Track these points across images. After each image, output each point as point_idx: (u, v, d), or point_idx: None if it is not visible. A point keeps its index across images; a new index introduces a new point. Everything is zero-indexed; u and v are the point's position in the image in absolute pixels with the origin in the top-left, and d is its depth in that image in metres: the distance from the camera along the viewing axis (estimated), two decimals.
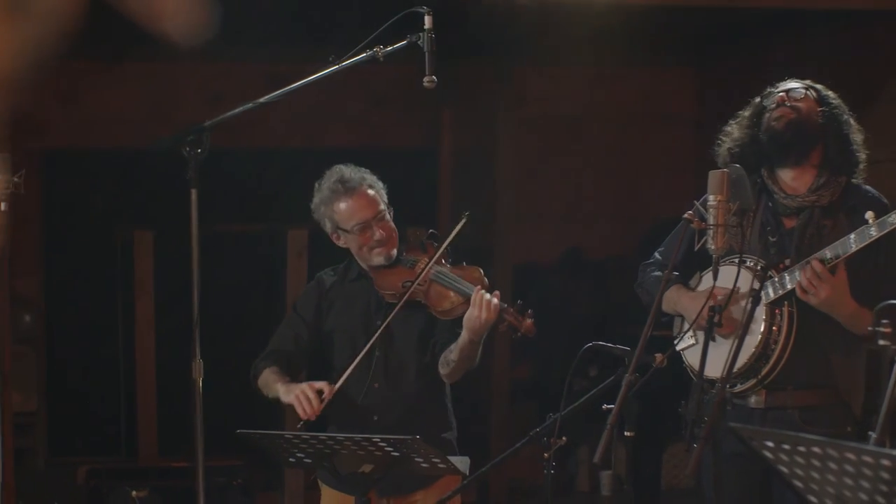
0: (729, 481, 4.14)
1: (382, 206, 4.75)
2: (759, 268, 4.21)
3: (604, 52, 8.28)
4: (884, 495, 2.68)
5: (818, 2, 7.41)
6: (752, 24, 8.17)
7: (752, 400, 4.35)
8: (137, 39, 8.19)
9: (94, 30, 7.89)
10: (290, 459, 4.25)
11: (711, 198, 3.87)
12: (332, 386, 4.56)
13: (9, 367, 5.83)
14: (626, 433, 3.77)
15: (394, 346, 4.74)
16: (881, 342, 3.17)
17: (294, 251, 8.09)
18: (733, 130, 4.53)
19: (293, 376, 4.74)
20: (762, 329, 4.25)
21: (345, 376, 4.60)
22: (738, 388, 4.32)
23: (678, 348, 4.44)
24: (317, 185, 4.80)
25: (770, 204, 4.42)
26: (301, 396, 4.53)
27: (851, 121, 4.48)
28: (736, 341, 3.75)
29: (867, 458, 2.64)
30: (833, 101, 4.46)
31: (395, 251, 4.76)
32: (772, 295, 4.27)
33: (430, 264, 4.66)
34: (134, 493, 7.03)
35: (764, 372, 4.28)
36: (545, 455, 3.87)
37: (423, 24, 4.35)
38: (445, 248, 4.71)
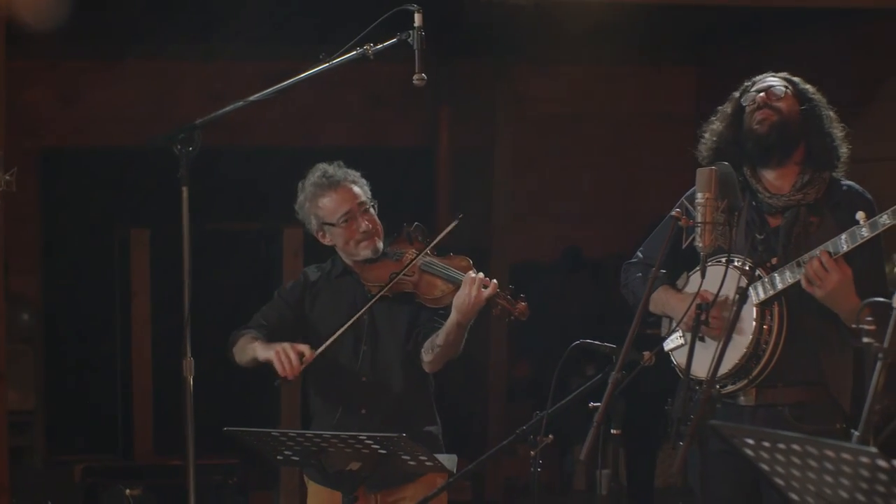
0: (717, 479, 4.13)
1: (366, 199, 4.79)
2: (747, 267, 4.19)
3: (602, 50, 8.28)
4: (864, 493, 2.67)
5: (816, 0, 7.40)
6: (750, 22, 8.17)
7: (742, 398, 4.33)
8: (135, 38, 8.28)
9: (93, 28, 7.96)
10: (278, 457, 4.25)
11: (699, 195, 3.85)
12: (314, 351, 4.55)
13: (2, 367, 5.82)
14: (612, 431, 3.75)
15: (380, 341, 4.75)
16: (865, 339, 3.15)
17: (290, 250, 8.10)
18: (715, 128, 4.52)
19: None
20: (753, 330, 4.23)
21: (327, 343, 4.59)
22: (729, 388, 4.30)
23: (667, 349, 4.43)
24: (300, 184, 4.84)
25: (754, 203, 4.41)
26: (281, 353, 4.51)
27: (831, 114, 4.46)
28: (723, 340, 3.73)
29: (846, 456, 2.64)
30: (813, 97, 4.44)
31: (381, 244, 4.79)
32: (762, 295, 4.25)
33: (420, 255, 4.69)
34: (128, 491, 7.02)
35: (755, 372, 4.27)
36: (531, 453, 3.86)
37: (413, 22, 4.33)
38: (432, 244, 4.73)
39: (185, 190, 4.47)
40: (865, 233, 4.11)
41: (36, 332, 8.56)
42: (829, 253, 4.15)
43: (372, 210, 4.79)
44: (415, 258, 4.68)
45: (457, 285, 4.56)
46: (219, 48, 8.58)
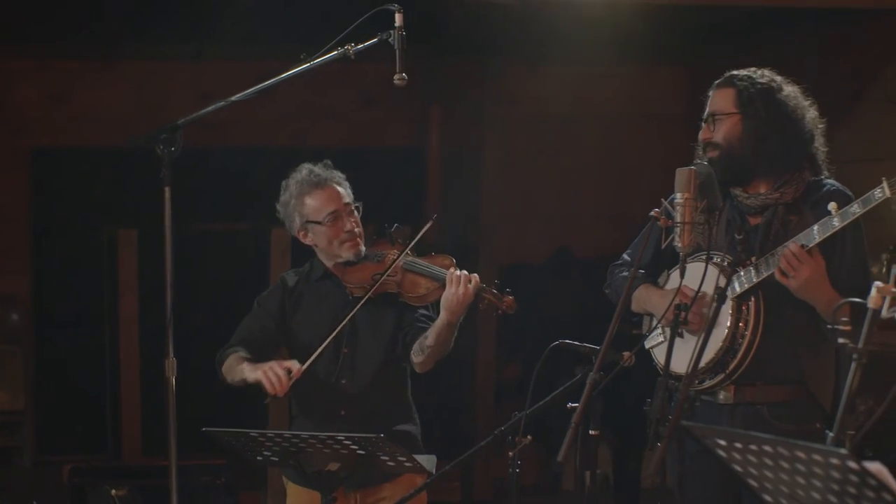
0: (695, 479, 4.13)
1: (350, 201, 4.80)
2: (725, 263, 4.19)
3: (593, 50, 8.26)
4: (836, 494, 2.66)
5: (807, 0, 7.40)
6: (741, 22, 8.16)
7: (721, 396, 4.32)
8: (126, 38, 8.28)
9: (83, 29, 7.96)
10: (258, 458, 4.25)
11: (678, 195, 3.85)
12: (301, 365, 4.56)
13: None
14: (590, 432, 3.74)
15: (360, 343, 4.75)
16: (840, 340, 3.14)
17: (278, 250, 8.11)
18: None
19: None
20: (729, 323, 4.22)
21: (313, 357, 4.60)
22: (707, 383, 4.29)
23: (647, 346, 4.42)
24: (284, 183, 4.85)
25: (735, 203, 4.39)
26: (269, 372, 4.53)
27: (798, 109, 4.38)
28: (699, 342, 3.72)
29: (817, 457, 2.62)
30: (768, 102, 4.34)
31: (363, 247, 4.80)
32: (738, 289, 4.24)
33: (401, 254, 4.70)
34: (113, 491, 7.02)
35: (731, 367, 4.25)
36: (510, 454, 3.86)
37: (394, 22, 4.32)
38: (411, 243, 4.75)
39: (167, 190, 4.46)
40: (836, 223, 4.10)
41: (25, 332, 8.55)
42: (802, 244, 4.15)
43: (356, 213, 4.81)
44: (397, 258, 4.68)
45: (441, 283, 4.57)
46: (209, 48, 8.57)
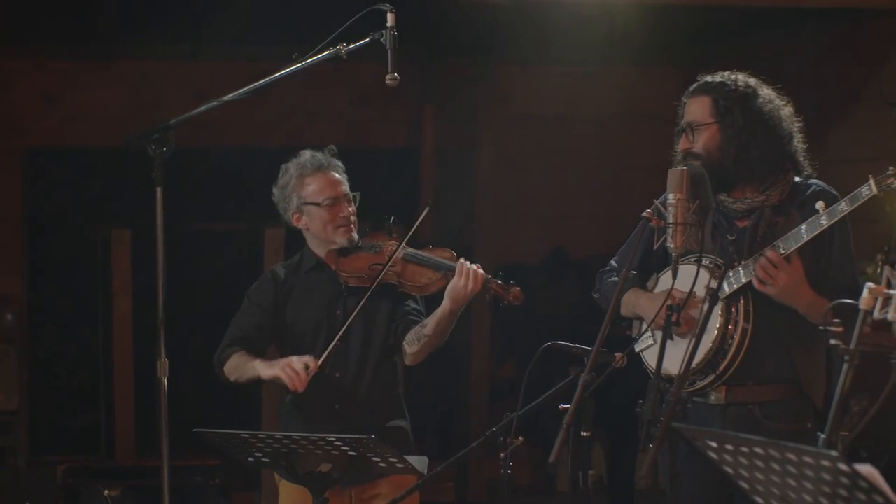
0: (687, 480, 4.12)
1: (348, 191, 4.83)
2: (713, 265, 4.18)
3: (587, 50, 8.25)
4: (827, 496, 2.65)
5: (802, 0, 7.39)
6: (736, 23, 8.16)
7: (713, 397, 4.31)
8: (121, 38, 8.26)
9: (78, 29, 7.95)
10: (249, 459, 4.24)
11: (671, 196, 3.84)
12: (316, 361, 4.57)
13: None
14: (583, 433, 3.74)
15: (354, 336, 4.74)
16: (832, 341, 3.13)
17: (272, 250, 8.10)
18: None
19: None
20: (718, 325, 4.21)
21: (327, 352, 4.61)
22: (698, 384, 4.28)
23: (637, 349, 4.41)
24: (283, 167, 4.89)
25: (720, 207, 4.37)
26: (288, 369, 4.54)
27: (775, 111, 4.34)
28: (691, 342, 3.71)
29: (808, 459, 2.61)
30: (745, 109, 4.29)
31: (356, 236, 4.82)
32: (727, 290, 4.23)
33: (402, 243, 4.72)
34: (106, 492, 7.01)
35: (722, 367, 4.24)
36: (501, 455, 3.85)
37: (386, 22, 4.32)
38: (410, 232, 4.79)
39: (158, 190, 4.47)
40: (824, 221, 4.09)
41: (19, 332, 8.53)
42: (781, 251, 4.14)
43: (353, 202, 4.84)
44: (398, 247, 4.71)
45: (444, 273, 4.61)
46: (203, 48, 8.56)
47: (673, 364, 3.94)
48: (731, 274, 4.23)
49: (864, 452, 6.18)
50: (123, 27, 8.02)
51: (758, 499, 2.87)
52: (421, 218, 4.75)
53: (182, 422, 4.49)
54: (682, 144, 4.37)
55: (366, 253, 4.79)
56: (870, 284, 3.04)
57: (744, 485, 2.86)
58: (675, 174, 3.85)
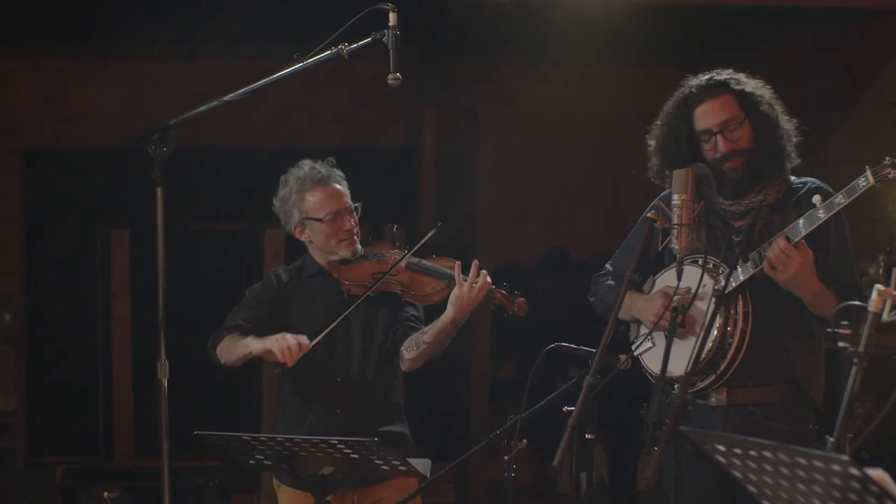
0: (691, 482, 4.10)
1: (350, 202, 4.79)
2: (712, 266, 4.17)
3: (588, 50, 8.23)
4: (837, 500, 2.63)
5: (802, 0, 7.37)
6: (737, 22, 8.13)
7: (714, 399, 4.30)
8: (119, 38, 8.24)
9: (76, 29, 7.92)
10: (250, 461, 4.22)
11: (675, 197, 3.83)
12: (308, 342, 4.55)
13: None
14: (587, 436, 3.72)
15: (355, 341, 4.74)
16: (840, 344, 3.11)
17: (271, 250, 8.08)
18: (659, 135, 4.47)
19: None
20: (717, 324, 4.20)
21: (321, 336, 4.59)
22: (699, 385, 4.27)
23: (636, 353, 4.39)
24: (283, 178, 4.84)
25: (716, 209, 4.35)
26: (281, 341, 4.52)
27: (778, 109, 4.39)
28: (699, 340, 3.70)
29: (818, 463, 2.59)
30: (758, 100, 4.35)
31: (359, 246, 4.79)
32: (732, 285, 4.21)
33: (408, 254, 4.70)
34: (105, 493, 6.99)
35: (722, 367, 4.24)
36: (505, 457, 3.83)
37: (388, 21, 4.30)
38: (409, 246, 4.76)
39: (159, 190, 4.44)
40: (822, 214, 4.09)
41: (17, 332, 8.51)
42: (788, 238, 4.12)
43: (355, 213, 4.80)
44: (401, 258, 4.69)
45: (447, 283, 4.58)
46: (202, 48, 8.54)
47: (674, 365, 3.92)
48: (730, 273, 4.21)
49: (867, 454, 6.16)
50: (122, 27, 8.00)
51: (766, 503, 2.85)
52: (427, 237, 4.72)
53: (181, 423, 4.47)
54: (724, 146, 4.32)
55: (368, 262, 4.77)
56: (879, 286, 3.02)
57: (752, 489, 2.84)
58: (680, 175, 3.83)
